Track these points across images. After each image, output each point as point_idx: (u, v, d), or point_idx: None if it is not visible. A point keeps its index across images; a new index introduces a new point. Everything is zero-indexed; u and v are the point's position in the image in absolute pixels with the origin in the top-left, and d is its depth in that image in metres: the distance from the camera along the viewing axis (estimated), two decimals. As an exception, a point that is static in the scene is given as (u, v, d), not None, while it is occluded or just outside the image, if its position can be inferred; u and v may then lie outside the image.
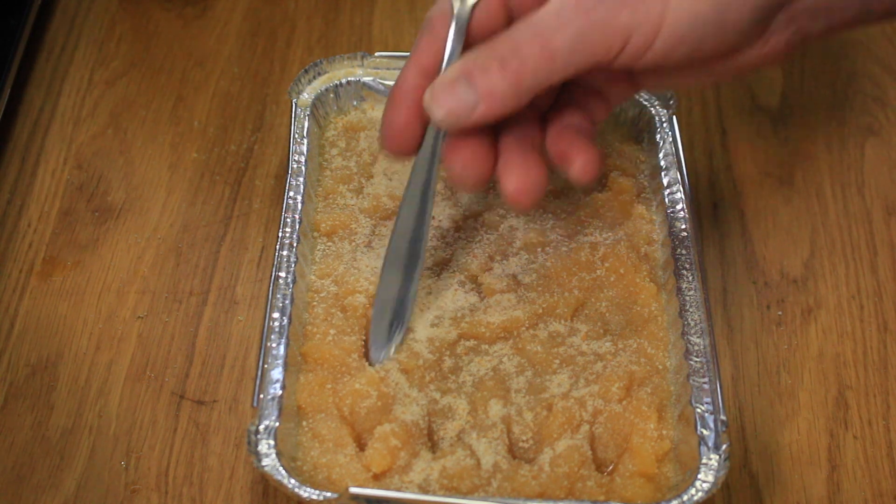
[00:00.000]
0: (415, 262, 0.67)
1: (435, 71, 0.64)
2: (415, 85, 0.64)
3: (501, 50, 0.60)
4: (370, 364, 0.66)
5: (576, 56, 0.59)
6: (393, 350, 0.66)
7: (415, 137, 0.64)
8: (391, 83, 0.79)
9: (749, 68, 0.63)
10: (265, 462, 0.60)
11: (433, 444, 0.64)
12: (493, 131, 0.64)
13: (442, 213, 0.74)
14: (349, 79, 0.79)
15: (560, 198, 0.74)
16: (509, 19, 0.63)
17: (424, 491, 0.61)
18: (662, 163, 0.75)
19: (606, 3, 0.59)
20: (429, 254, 0.71)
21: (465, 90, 0.60)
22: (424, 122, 0.64)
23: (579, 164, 0.63)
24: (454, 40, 0.63)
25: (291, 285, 0.67)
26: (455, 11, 0.63)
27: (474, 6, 0.63)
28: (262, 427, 0.61)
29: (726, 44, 0.60)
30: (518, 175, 0.62)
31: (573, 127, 0.65)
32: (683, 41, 0.59)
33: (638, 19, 0.59)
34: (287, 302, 0.66)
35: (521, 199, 0.62)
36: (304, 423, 0.64)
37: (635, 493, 0.61)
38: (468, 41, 0.63)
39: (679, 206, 0.72)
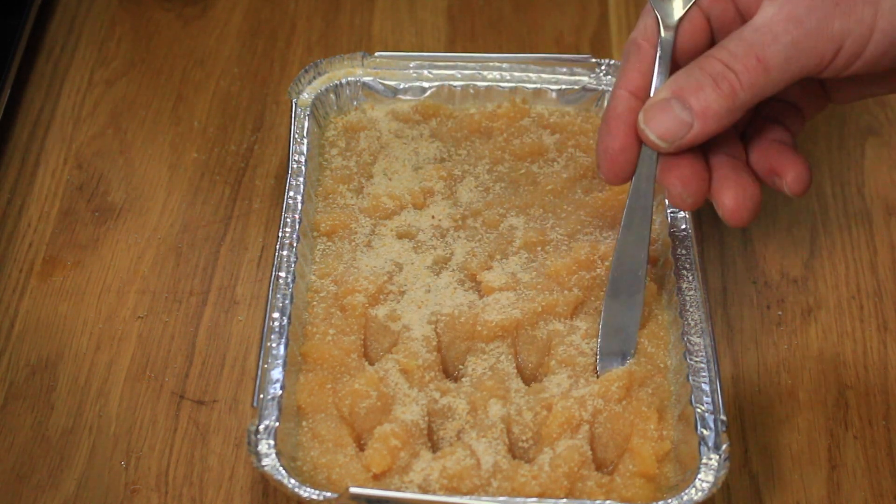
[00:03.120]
0: (638, 287, 0.66)
1: (645, 94, 0.64)
2: (627, 108, 0.64)
3: (714, 67, 0.61)
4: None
5: (790, 67, 0.60)
6: None
7: (630, 161, 0.64)
8: (391, 83, 0.79)
9: None
10: (265, 462, 0.60)
11: (433, 444, 0.64)
12: (702, 150, 0.64)
13: (442, 212, 0.74)
14: (349, 79, 0.79)
15: (560, 197, 0.74)
16: (712, 37, 0.64)
17: (424, 491, 0.61)
18: (662, 163, 0.75)
19: (818, 11, 0.59)
20: (429, 253, 0.71)
21: (679, 110, 0.61)
22: (639, 145, 0.64)
23: (792, 176, 0.64)
24: (661, 61, 0.64)
25: (291, 285, 0.67)
26: (661, 33, 0.64)
27: (678, 26, 0.64)
28: (262, 427, 0.61)
29: None
30: (735, 192, 0.63)
31: (777, 141, 0.66)
32: (894, 46, 0.60)
33: (850, 27, 0.59)
34: (287, 302, 0.66)
35: (741, 215, 0.63)
36: (304, 423, 0.64)
37: (635, 493, 0.61)
38: (674, 61, 0.64)
39: (679, 206, 0.72)
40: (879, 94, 0.69)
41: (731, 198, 0.63)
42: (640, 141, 0.64)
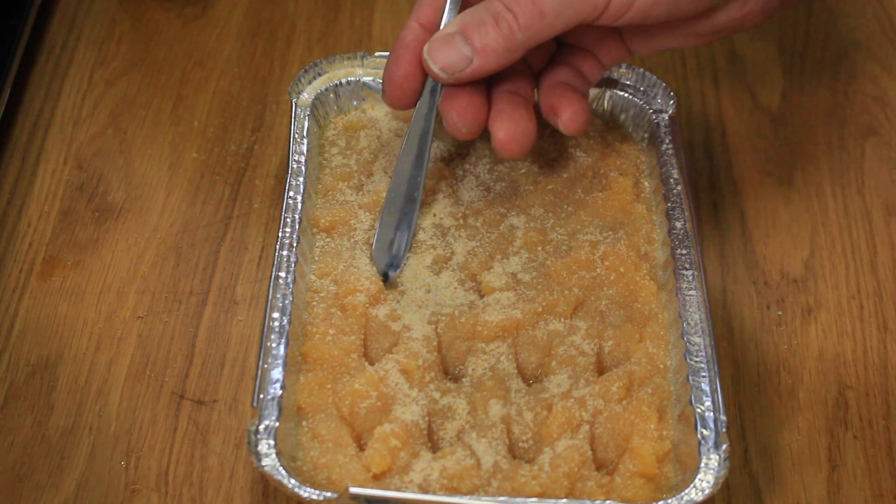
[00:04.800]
0: (412, 206, 0.71)
1: (434, 27, 0.69)
2: (415, 39, 0.69)
3: (496, 7, 0.65)
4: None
5: (563, 14, 0.65)
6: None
7: (414, 90, 0.69)
8: (391, 83, 0.79)
9: (730, 29, 0.68)
10: (265, 462, 0.60)
11: (433, 444, 0.64)
12: (486, 85, 0.69)
13: (443, 211, 0.74)
14: (349, 79, 0.79)
15: (560, 197, 0.75)
16: None
17: (424, 491, 0.61)
18: (662, 163, 0.75)
19: None
20: (428, 252, 0.71)
21: (461, 45, 0.66)
22: (424, 75, 0.69)
23: (567, 115, 0.69)
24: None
25: (291, 285, 0.67)
26: None
27: None
28: (262, 427, 0.61)
29: (702, 5, 0.65)
30: (508, 126, 0.68)
31: (564, 83, 0.70)
32: (659, 1, 0.64)
33: None
34: (287, 302, 0.66)
35: (510, 146, 0.68)
36: (304, 423, 0.64)
37: (635, 493, 0.61)
38: (465, 1, 0.68)
39: (679, 206, 0.72)
40: (676, 48, 0.73)
41: (504, 130, 0.68)
42: (425, 71, 0.68)
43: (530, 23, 0.64)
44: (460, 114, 0.68)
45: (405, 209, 0.71)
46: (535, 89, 0.72)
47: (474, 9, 0.66)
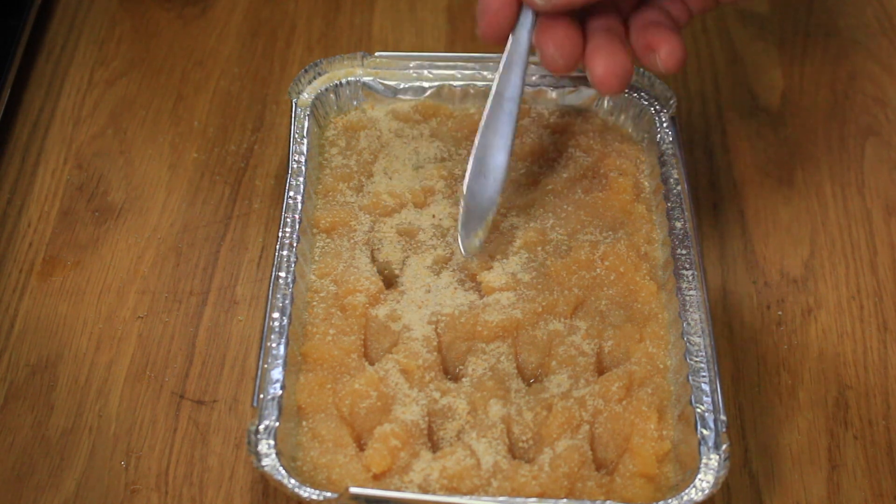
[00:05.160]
0: (511, 127, 0.69)
1: None
2: None
3: None
4: (464, 252, 0.70)
5: None
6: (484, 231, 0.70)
7: (508, 19, 0.67)
8: (391, 83, 0.79)
9: None
10: (265, 462, 0.60)
11: (433, 444, 0.64)
12: (580, 20, 0.67)
13: (443, 212, 0.74)
14: (349, 79, 0.79)
15: (560, 197, 0.74)
16: None
17: (424, 491, 0.61)
18: (662, 163, 0.75)
19: None
20: (429, 252, 0.71)
21: None
22: (518, 4, 0.67)
23: (665, 50, 0.67)
24: None
25: (291, 285, 0.67)
26: None
27: None
28: (262, 427, 0.61)
29: None
30: (606, 60, 0.66)
31: (656, 21, 0.68)
32: None
33: None
34: (287, 302, 0.66)
35: (609, 81, 0.66)
36: (304, 423, 0.64)
37: (635, 493, 0.61)
38: None
39: (679, 206, 0.72)
40: None
41: (602, 65, 0.66)
42: (519, 2, 0.67)
43: None
44: (557, 46, 0.66)
45: (503, 131, 0.69)
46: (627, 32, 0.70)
47: None
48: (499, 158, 0.69)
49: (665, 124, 0.77)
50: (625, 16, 0.70)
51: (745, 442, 0.70)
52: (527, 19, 0.68)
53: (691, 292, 0.68)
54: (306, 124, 0.76)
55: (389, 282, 0.71)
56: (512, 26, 0.68)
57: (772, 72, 0.91)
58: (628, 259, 0.70)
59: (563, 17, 0.67)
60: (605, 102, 0.79)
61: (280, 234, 0.70)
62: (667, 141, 0.76)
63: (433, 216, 0.73)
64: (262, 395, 0.63)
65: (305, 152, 0.74)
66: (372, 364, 0.66)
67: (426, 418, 0.64)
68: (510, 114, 0.69)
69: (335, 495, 0.59)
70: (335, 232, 0.72)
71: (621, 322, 0.68)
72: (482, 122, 0.69)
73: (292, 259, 0.69)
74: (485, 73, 0.80)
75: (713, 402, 0.63)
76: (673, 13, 0.70)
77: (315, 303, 0.69)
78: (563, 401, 0.64)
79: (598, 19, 0.68)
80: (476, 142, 0.69)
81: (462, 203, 0.70)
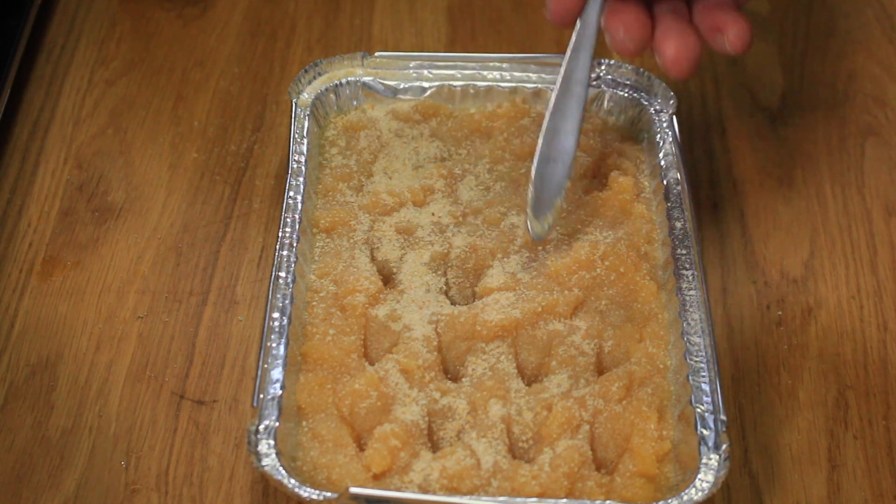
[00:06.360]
0: (579, 104, 0.69)
1: None
2: None
3: None
4: (534, 236, 0.70)
5: None
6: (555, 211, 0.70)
7: (577, 3, 0.67)
8: (391, 83, 0.79)
9: None
10: (265, 462, 0.60)
11: (433, 444, 0.64)
12: (647, 2, 0.67)
13: (442, 210, 0.74)
14: (349, 79, 0.79)
15: (560, 197, 0.75)
16: None
17: (424, 491, 0.61)
18: (662, 163, 0.75)
19: None
20: (426, 250, 0.71)
21: None
22: None
23: (734, 32, 0.66)
24: None
25: (291, 285, 0.67)
26: None
27: None
28: (262, 427, 0.61)
29: None
30: (677, 42, 0.66)
31: (720, 4, 0.68)
32: None
33: None
34: (287, 302, 0.66)
35: (679, 64, 0.66)
36: (304, 423, 0.64)
37: (635, 493, 0.61)
38: None
39: (679, 206, 0.72)
40: None
41: (673, 48, 0.66)
42: None
43: None
44: (627, 29, 0.66)
45: (570, 106, 0.69)
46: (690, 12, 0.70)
47: None
48: (568, 142, 0.69)
49: (665, 124, 0.77)
50: None
51: (745, 442, 0.70)
52: (596, 2, 0.67)
53: (691, 292, 0.68)
54: (306, 124, 0.76)
55: (388, 279, 0.71)
56: (580, 8, 0.67)
57: (772, 72, 0.91)
58: (628, 259, 0.70)
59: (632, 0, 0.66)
60: (606, 102, 0.79)
61: (280, 234, 0.70)
62: (667, 141, 0.76)
63: (432, 214, 0.73)
64: (262, 395, 0.63)
65: (305, 152, 0.74)
66: (372, 364, 0.66)
67: (426, 418, 0.64)
68: (578, 97, 0.69)
69: (335, 495, 0.59)
70: (335, 232, 0.72)
71: (621, 322, 0.68)
72: (550, 106, 0.69)
73: (292, 259, 0.69)
74: (484, 72, 0.80)
75: (713, 402, 0.63)
76: None
77: (315, 303, 0.69)
78: (563, 401, 0.64)
79: (663, 1, 0.67)
80: (544, 126, 0.69)
81: (531, 189, 0.69)
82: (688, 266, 0.70)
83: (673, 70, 0.66)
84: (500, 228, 0.73)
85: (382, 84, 0.79)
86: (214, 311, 0.75)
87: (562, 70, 0.69)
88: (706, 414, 0.63)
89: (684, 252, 0.70)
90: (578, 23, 0.68)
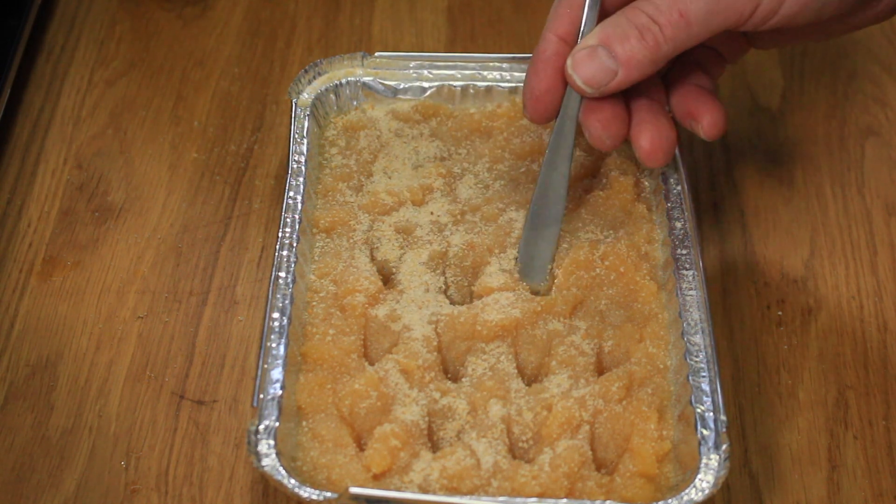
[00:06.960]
0: (555, 220, 0.70)
1: (573, 39, 0.67)
2: (555, 53, 0.67)
3: (639, 19, 0.64)
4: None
5: (711, 21, 0.64)
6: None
7: (555, 102, 0.68)
8: (391, 83, 0.79)
9: (861, 26, 0.68)
10: (265, 462, 0.60)
11: (433, 445, 0.64)
12: (623, 93, 0.67)
13: (441, 209, 0.74)
14: (349, 79, 0.79)
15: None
16: None
17: (424, 491, 0.61)
18: (662, 163, 0.75)
19: None
20: (425, 249, 0.71)
21: (605, 58, 0.64)
22: (564, 88, 0.67)
23: (708, 120, 0.68)
24: (590, 8, 0.66)
25: (291, 285, 0.67)
26: None
27: None
28: (262, 427, 0.61)
29: (847, 6, 0.65)
30: (652, 135, 0.67)
31: (697, 86, 0.69)
32: (807, 6, 0.64)
33: None
34: (287, 302, 0.66)
35: (655, 155, 0.67)
36: (304, 424, 0.64)
37: (635, 493, 0.61)
38: (603, 9, 0.67)
39: (679, 206, 0.72)
40: (798, 42, 0.73)
41: (648, 140, 0.67)
42: (565, 84, 0.67)
43: (676, 34, 0.63)
44: (605, 126, 0.67)
45: (548, 222, 0.70)
46: (666, 92, 0.70)
47: (615, 20, 0.65)
48: (551, 232, 0.70)
49: (665, 124, 0.77)
50: (662, 73, 0.70)
51: (745, 442, 0.70)
52: (573, 99, 0.67)
53: (691, 292, 0.68)
54: (306, 124, 0.76)
55: (387, 279, 0.71)
56: (558, 107, 0.68)
57: (772, 72, 0.91)
58: (628, 259, 0.70)
59: (609, 95, 0.66)
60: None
61: (280, 234, 0.70)
62: (667, 141, 0.76)
63: (431, 213, 0.73)
64: (262, 395, 0.63)
65: (305, 152, 0.74)
66: (372, 364, 0.66)
67: (426, 418, 0.64)
68: (558, 196, 0.69)
69: (335, 495, 0.59)
70: (335, 232, 0.72)
71: (621, 322, 0.68)
72: (531, 208, 0.70)
73: (292, 259, 0.69)
74: (484, 73, 0.80)
75: (713, 402, 0.63)
76: (709, 68, 0.70)
77: (315, 303, 0.69)
78: (563, 401, 0.64)
79: (640, 90, 0.68)
80: (527, 218, 0.70)
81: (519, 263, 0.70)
82: (688, 266, 0.70)
83: (648, 161, 0.67)
84: (498, 223, 0.73)
85: (382, 84, 0.79)
86: (214, 311, 0.75)
87: (542, 171, 0.69)
88: (706, 414, 0.63)
89: (684, 252, 0.70)
90: (556, 121, 0.68)
